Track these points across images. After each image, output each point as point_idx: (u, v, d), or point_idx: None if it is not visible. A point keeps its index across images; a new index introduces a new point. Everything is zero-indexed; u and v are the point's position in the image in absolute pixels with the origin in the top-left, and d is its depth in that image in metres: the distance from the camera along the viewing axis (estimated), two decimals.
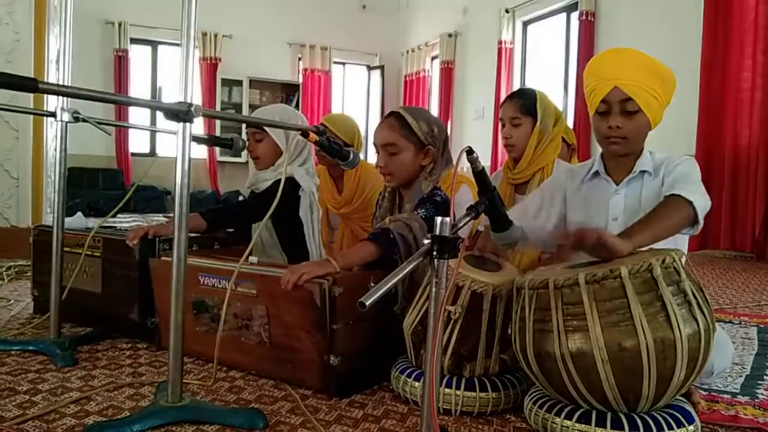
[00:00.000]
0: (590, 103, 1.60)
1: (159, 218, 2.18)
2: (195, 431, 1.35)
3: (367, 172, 2.75)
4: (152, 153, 9.37)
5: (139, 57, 9.24)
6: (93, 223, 2.40)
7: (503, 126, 2.32)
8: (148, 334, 2.03)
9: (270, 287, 1.63)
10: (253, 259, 1.77)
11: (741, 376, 1.82)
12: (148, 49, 9.33)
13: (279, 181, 2.12)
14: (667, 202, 1.44)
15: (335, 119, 2.92)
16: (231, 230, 2.36)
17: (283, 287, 1.54)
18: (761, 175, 4.70)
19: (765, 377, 1.82)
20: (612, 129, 1.56)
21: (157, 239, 1.99)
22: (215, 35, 9.31)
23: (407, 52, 10.21)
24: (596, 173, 1.69)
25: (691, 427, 1.26)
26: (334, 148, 1.80)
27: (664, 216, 1.41)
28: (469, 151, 1.27)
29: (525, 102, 2.27)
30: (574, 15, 6.82)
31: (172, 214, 1.57)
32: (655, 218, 1.42)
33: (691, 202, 1.40)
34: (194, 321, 1.82)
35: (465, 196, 2.19)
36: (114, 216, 2.20)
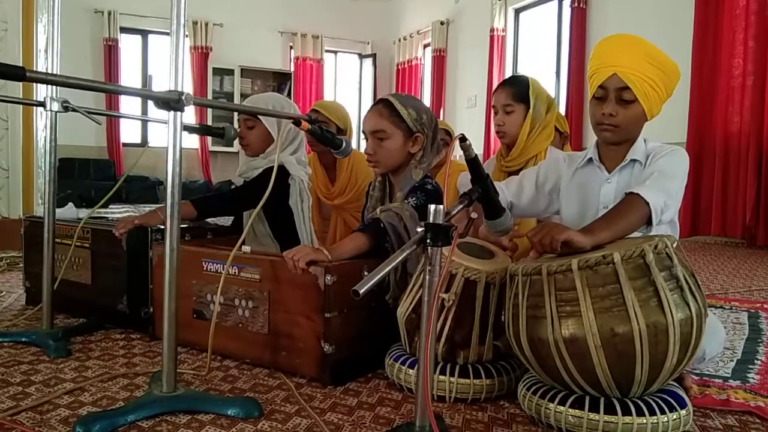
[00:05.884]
0: (590, 87, 1.60)
1: (151, 208, 2.19)
2: (190, 421, 1.35)
3: (360, 161, 2.74)
4: (144, 143, 9.32)
5: (129, 46, 9.17)
6: (84, 213, 2.38)
7: (496, 113, 2.32)
8: (138, 325, 2.03)
9: (275, 271, 1.64)
10: (246, 248, 1.77)
11: (732, 361, 1.84)
12: (137, 38, 9.26)
13: (269, 169, 2.12)
14: (627, 201, 1.46)
15: (328, 105, 2.89)
16: (222, 219, 2.35)
17: (292, 271, 1.55)
18: (752, 161, 4.72)
19: (756, 362, 1.84)
20: (605, 116, 1.56)
21: (149, 229, 1.99)
22: (206, 24, 9.24)
23: (399, 40, 10.18)
24: (590, 160, 1.70)
25: (684, 412, 1.27)
26: (326, 136, 1.79)
27: (623, 214, 1.43)
28: (462, 139, 1.27)
29: (518, 89, 2.27)
30: (566, 2, 6.82)
31: (162, 204, 1.56)
32: (615, 216, 1.43)
33: (648, 203, 1.42)
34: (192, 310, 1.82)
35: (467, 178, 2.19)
36: (105, 206, 2.19)
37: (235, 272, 1.72)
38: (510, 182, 1.84)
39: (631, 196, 1.45)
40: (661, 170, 1.52)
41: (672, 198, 1.49)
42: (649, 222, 1.45)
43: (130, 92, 1.47)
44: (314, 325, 1.59)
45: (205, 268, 1.79)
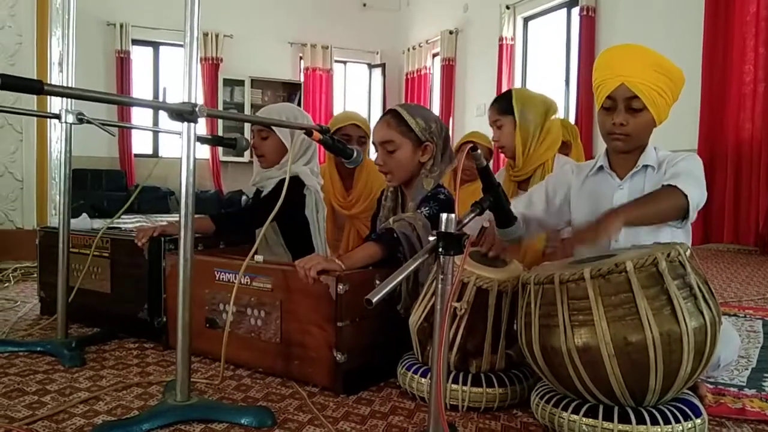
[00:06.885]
0: (597, 97, 1.61)
1: (163, 219, 2.20)
2: (203, 430, 1.35)
3: (375, 170, 2.73)
4: (155, 154, 9.40)
5: (140, 58, 9.27)
6: (98, 224, 2.41)
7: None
8: (158, 333, 2.04)
9: (287, 281, 1.65)
10: (259, 257, 1.78)
11: (747, 369, 1.82)
12: (149, 50, 9.36)
13: (283, 181, 2.13)
14: (663, 190, 1.45)
15: (363, 120, 2.81)
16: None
17: (304, 281, 1.55)
18: (764, 168, 4.69)
19: None
20: (616, 126, 1.56)
21: (162, 239, 2.00)
22: (216, 35, 9.33)
23: (408, 49, 10.21)
24: (600, 168, 1.70)
25: (699, 420, 1.26)
26: (338, 146, 1.80)
27: (656, 200, 1.43)
28: (473, 148, 1.27)
29: (501, 102, 2.33)
30: (575, 10, 6.81)
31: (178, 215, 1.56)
32: (648, 200, 1.43)
33: (686, 195, 1.41)
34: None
35: None
36: (119, 217, 2.21)
37: (247, 281, 1.73)
38: (519, 200, 1.84)
39: (667, 187, 1.44)
40: (689, 172, 1.52)
41: (703, 198, 1.49)
42: (684, 216, 1.44)
43: (145, 104, 1.49)
44: (326, 335, 1.59)
45: (217, 278, 1.81)
